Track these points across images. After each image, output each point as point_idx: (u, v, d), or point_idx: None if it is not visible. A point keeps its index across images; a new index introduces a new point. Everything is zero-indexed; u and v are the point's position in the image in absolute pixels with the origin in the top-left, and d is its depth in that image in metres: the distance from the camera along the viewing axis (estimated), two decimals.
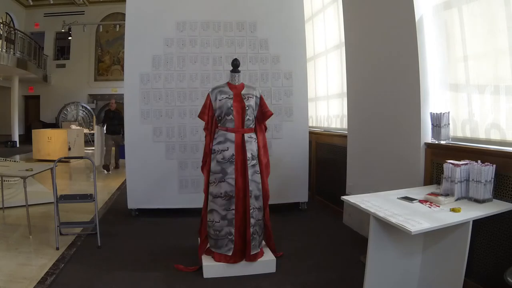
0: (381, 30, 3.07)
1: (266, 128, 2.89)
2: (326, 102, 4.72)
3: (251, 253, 2.60)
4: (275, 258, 2.69)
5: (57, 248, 3.01)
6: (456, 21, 2.42)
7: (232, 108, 2.64)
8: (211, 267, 2.58)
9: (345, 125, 3.99)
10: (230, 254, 2.60)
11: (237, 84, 2.75)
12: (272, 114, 2.84)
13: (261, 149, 2.78)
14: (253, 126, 2.75)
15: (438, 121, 2.45)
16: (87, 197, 3.24)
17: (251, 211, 2.62)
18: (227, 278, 2.54)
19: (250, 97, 2.70)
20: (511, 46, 2.04)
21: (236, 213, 2.62)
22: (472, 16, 2.30)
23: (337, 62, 4.31)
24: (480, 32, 2.26)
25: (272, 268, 2.65)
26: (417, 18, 2.59)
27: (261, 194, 2.73)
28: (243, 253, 2.64)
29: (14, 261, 2.80)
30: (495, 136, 2.19)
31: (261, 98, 2.81)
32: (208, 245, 2.74)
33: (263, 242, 2.83)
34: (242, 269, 2.62)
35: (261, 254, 2.70)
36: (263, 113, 2.81)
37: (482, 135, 2.28)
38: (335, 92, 4.43)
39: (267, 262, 2.66)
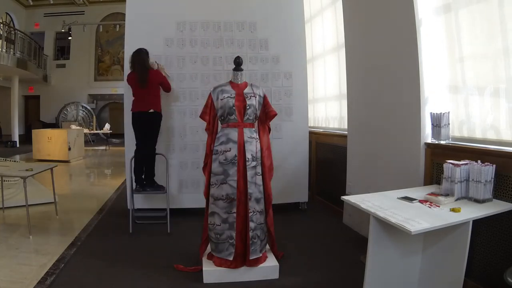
0: (382, 31, 3.07)
1: (270, 129, 2.77)
2: (324, 104, 4.72)
3: (250, 258, 2.50)
4: (278, 264, 2.56)
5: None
6: (455, 23, 2.42)
7: (234, 108, 2.54)
8: (211, 272, 2.50)
9: (343, 126, 3.99)
10: (230, 258, 2.50)
11: (240, 82, 2.65)
12: (276, 114, 2.72)
13: (265, 151, 2.64)
14: (253, 122, 2.65)
15: (438, 121, 2.45)
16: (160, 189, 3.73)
17: (250, 215, 2.52)
18: (227, 284, 2.47)
19: (253, 96, 2.60)
20: (509, 48, 2.04)
21: (237, 216, 2.52)
22: (471, 18, 2.30)
23: (335, 65, 4.31)
24: (480, 34, 2.26)
25: (275, 274, 2.53)
26: (417, 19, 2.58)
27: (263, 197, 2.62)
28: (244, 258, 2.53)
29: (14, 261, 2.79)
30: (494, 136, 2.19)
31: (264, 98, 2.68)
32: (210, 249, 2.67)
33: (267, 247, 2.74)
34: (243, 274, 2.53)
35: (263, 259, 2.60)
36: (266, 113, 2.70)
37: (481, 136, 2.28)
38: (333, 94, 4.43)
39: (270, 268, 2.54)
